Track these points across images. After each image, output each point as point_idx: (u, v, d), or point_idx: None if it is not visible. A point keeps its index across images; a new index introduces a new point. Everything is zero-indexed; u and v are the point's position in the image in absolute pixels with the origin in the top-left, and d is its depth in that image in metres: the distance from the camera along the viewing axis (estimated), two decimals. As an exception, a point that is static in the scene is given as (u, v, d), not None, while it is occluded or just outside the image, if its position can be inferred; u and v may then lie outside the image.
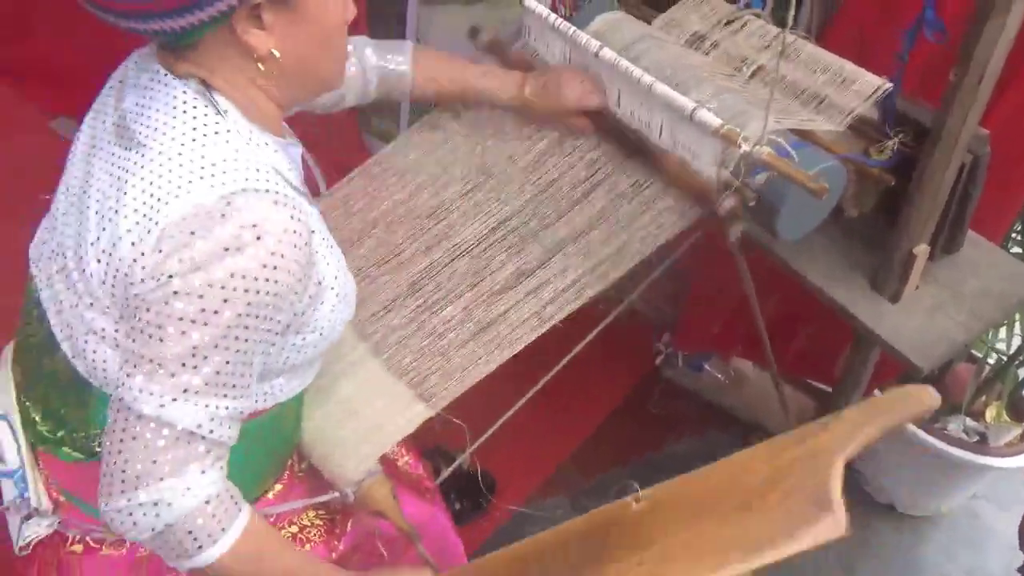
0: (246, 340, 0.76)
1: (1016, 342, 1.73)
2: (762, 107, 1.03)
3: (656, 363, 2.11)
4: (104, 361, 0.82)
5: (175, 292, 0.73)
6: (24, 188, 1.30)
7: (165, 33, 0.74)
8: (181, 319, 0.73)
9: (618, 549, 0.80)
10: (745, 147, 0.99)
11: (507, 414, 1.09)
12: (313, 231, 0.81)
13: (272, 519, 1.00)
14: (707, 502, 0.79)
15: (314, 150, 0.99)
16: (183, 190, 0.74)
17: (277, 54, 0.78)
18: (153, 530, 0.77)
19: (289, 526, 1.02)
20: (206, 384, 0.75)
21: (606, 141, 1.19)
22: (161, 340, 0.73)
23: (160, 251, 0.73)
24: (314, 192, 0.94)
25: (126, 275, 0.76)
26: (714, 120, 1.03)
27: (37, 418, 0.93)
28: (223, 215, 0.73)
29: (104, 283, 0.78)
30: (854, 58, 1.20)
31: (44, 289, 0.88)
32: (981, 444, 1.75)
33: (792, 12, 0.89)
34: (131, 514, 0.76)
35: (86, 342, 0.83)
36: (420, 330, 1.09)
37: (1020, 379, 1.77)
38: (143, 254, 0.74)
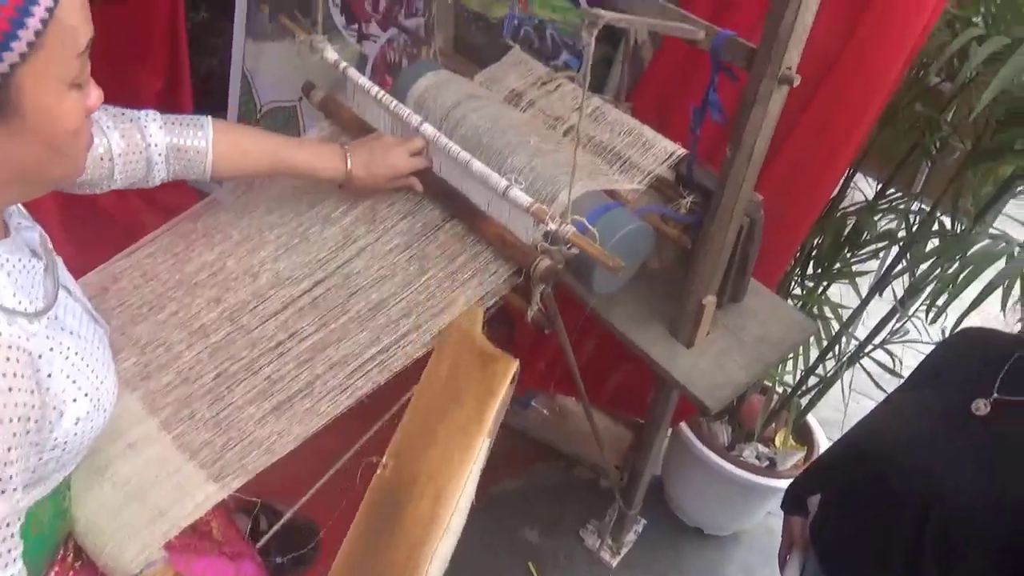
0: None
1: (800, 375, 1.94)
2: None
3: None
4: None
5: None
6: None
7: None
8: None
9: (401, 503, 0.94)
10: (552, 225, 1.04)
11: (331, 470, 1.04)
12: (40, 355, 0.72)
13: None
14: (427, 421, 1.00)
15: (137, 192, 0.89)
16: None
17: None
18: None
19: None
20: None
21: (430, 202, 1.20)
22: None
23: None
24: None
25: None
26: (525, 199, 1.07)
27: None
28: None
29: None
30: (656, 124, 1.31)
31: None
32: (771, 468, 1.94)
33: (586, 78, 0.94)
34: None
35: None
36: (217, 402, 1.02)
37: (802, 407, 1.98)
38: None
